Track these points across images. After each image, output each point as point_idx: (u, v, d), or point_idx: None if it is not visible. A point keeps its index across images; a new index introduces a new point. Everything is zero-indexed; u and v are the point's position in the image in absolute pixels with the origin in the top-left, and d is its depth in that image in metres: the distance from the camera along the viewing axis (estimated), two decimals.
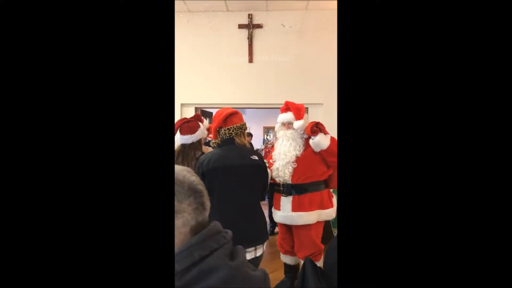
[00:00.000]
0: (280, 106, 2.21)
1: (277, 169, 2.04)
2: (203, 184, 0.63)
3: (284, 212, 2.04)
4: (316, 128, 1.98)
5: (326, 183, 2.12)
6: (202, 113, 3.98)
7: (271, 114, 7.34)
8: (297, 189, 2.01)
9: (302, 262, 2.03)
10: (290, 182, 2.02)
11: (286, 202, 2.04)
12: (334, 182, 2.12)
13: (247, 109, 7.26)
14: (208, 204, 0.61)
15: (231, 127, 1.61)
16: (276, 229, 3.26)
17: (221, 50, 3.66)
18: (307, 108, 3.74)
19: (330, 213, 2.12)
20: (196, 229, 0.56)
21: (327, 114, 3.58)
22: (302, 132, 2.04)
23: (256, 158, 1.60)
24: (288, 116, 2.07)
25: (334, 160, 1.98)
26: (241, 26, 3.63)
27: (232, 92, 3.69)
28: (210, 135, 1.88)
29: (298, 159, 2.01)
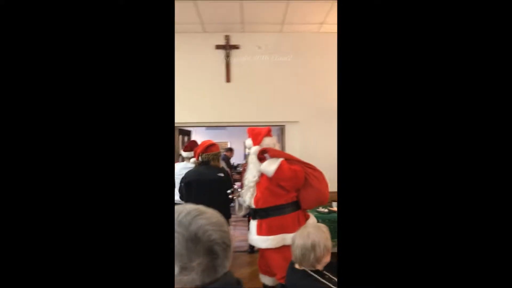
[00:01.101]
0: (258, 124, 2.31)
1: (244, 193, 2.16)
2: (228, 242, 0.56)
3: (252, 235, 2.15)
4: (262, 155, 2.06)
5: (294, 206, 2.08)
6: (181, 131, 3.99)
7: None
8: (260, 213, 2.08)
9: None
10: (253, 206, 2.10)
11: (253, 225, 2.14)
12: (307, 202, 2.10)
13: (228, 127, 7.31)
14: (222, 267, 0.54)
15: (209, 154, 2.43)
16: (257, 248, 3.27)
17: (199, 70, 3.71)
18: (283, 126, 3.83)
19: None
20: None
21: (303, 131, 3.68)
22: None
23: (222, 175, 2.33)
24: (248, 142, 2.20)
25: (285, 184, 2.01)
26: (218, 47, 3.71)
27: (210, 111, 3.73)
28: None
29: (257, 184, 2.08)
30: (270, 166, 1.99)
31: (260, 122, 3.77)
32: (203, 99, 3.72)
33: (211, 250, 0.52)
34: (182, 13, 3.25)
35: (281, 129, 3.93)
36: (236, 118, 3.75)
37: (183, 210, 0.56)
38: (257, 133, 2.20)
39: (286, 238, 2.00)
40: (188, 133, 4.26)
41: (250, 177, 2.09)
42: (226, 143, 7.65)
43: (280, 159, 2.03)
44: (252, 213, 2.13)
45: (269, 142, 2.20)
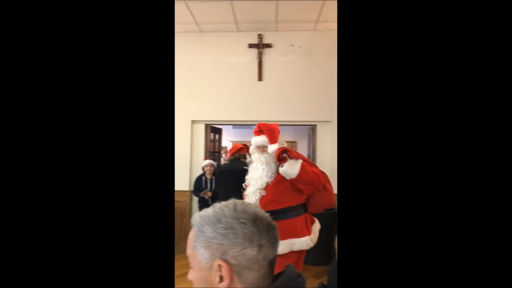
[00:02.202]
0: (287, 122, 2.22)
1: (247, 195, 1.93)
2: None
3: None
4: (284, 155, 1.84)
5: (302, 208, 1.93)
6: (212, 129, 4.05)
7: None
8: None
9: None
10: None
11: None
12: (317, 206, 1.96)
13: (254, 126, 7.33)
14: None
15: (240, 154, 3.21)
16: None
17: (231, 69, 3.76)
18: (315, 125, 3.79)
19: (306, 242, 1.85)
20: (272, 263, 0.59)
21: (335, 131, 3.62)
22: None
23: (246, 168, 2.32)
24: (262, 139, 1.96)
25: (306, 187, 1.84)
26: (251, 46, 3.74)
27: (241, 109, 3.76)
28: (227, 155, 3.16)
29: (268, 187, 1.88)
30: (293, 168, 1.79)
31: (291, 121, 3.76)
32: (234, 97, 3.76)
33: (270, 224, 0.61)
34: (217, 13, 3.30)
35: (312, 129, 3.89)
36: (266, 116, 3.75)
37: (227, 204, 0.61)
38: (272, 129, 1.98)
39: (295, 243, 1.84)
40: (219, 131, 4.31)
41: (265, 177, 1.88)
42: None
43: (300, 161, 1.84)
44: None
45: (282, 140, 2.01)
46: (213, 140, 4.15)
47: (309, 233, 1.89)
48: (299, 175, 1.78)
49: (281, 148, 1.85)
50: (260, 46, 3.72)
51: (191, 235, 0.59)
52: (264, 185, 1.87)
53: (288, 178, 1.82)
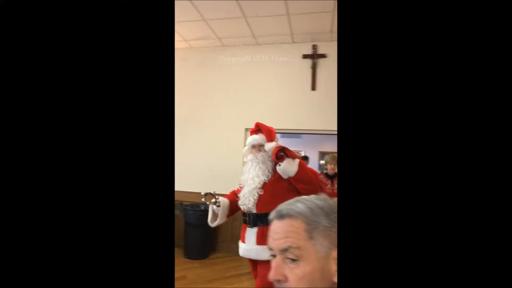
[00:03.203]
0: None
1: (243, 196, 1.85)
2: None
3: (249, 245, 1.82)
4: (282, 153, 1.78)
5: None
6: None
7: (327, 139, 7.30)
8: (262, 219, 1.77)
9: None
10: (255, 211, 1.81)
11: (251, 233, 1.83)
12: None
13: (303, 134, 7.34)
14: None
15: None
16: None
17: (286, 79, 3.86)
18: None
19: None
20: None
21: None
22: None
23: None
24: (259, 138, 1.92)
25: (304, 187, 1.75)
26: (305, 56, 3.81)
27: (293, 118, 3.83)
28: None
29: (265, 185, 1.80)
30: (292, 166, 1.74)
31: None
32: (288, 106, 3.84)
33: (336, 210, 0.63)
34: (274, 26, 3.44)
35: None
36: (319, 126, 3.77)
37: (320, 197, 0.64)
38: (270, 129, 1.96)
39: None
40: None
41: (262, 176, 1.81)
42: (300, 151, 7.67)
43: (298, 160, 1.79)
44: (252, 219, 1.83)
45: (277, 140, 1.99)
46: None
47: None
48: (297, 173, 1.73)
49: (279, 146, 1.81)
50: (315, 56, 3.77)
51: (299, 227, 0.58)
52: (262, 183, 1.81)
53: (286, 176, 1.76)
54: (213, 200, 1.96)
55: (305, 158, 6.02)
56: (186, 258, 3.64)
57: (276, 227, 0.62)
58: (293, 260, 0.58)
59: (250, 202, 1.80)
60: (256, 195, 1.80)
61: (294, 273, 0.56)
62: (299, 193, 1.76)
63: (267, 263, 1.65)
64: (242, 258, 3.65)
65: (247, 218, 1.85)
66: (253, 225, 1.82)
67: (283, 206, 0.63)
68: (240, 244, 1.91)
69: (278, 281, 0.58)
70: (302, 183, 1.75)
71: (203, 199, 1.98)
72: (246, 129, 3.97)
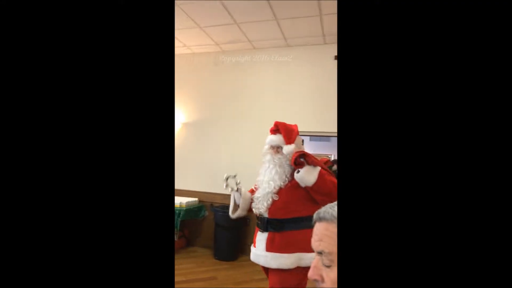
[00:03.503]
0: None
1: (257, 198, 1.75)
2: None
3: (258, 250, 1.73)
4: (302, 160, 1.63)
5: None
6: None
7: None
8: (274, 224, 1.68)
9: None
10: (266, 215, 1.71)
11: (261, 238, 1.73)
12: None
13: (332, 137, 7.21)
14: None
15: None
16: None
17: (318, 80, 3.81)
18: None
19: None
20: None
21: None
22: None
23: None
24: (277, 138, 1.77)
25: (322, 198, 1.60)
26: (337, 57, 3.74)
27: (323, 120, 3.76)
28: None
29: (280, 191, 1.69)
30: (311, 175, 1.59)
31: None
32: (319, 108, 3.78)
33: None
34: (305, 27, 3.41)
35: None
36: None
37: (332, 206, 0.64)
38: (290, 129, 1.79)
39: (304, 259, 1.62)
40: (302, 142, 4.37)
41: (278, 181, 1.69)
42: (330, 155, 7.53)
43: (319, 168, 1.63)
44: (263, 224, 1.73)
45: (299, 142, 1.81)
46: None
47: None
48: (316, 183, 1.59)
49: (299, 151, 1.65)
50: None
51: (334, 231, 0.57)
52: (277, 188, 1.69)
53: (303, 185, 1.63)
54: (235, 183, 1.92)
55: (335, 162, 5.89)
56: (216, 259, 3.67)
57: (316, 229, 0.62)
58: (326, 265, 0.58)
59: (263, 206, 1.71)
60: (270, 200, 1.70)
61: (329, 276, 0.57)
62: (316, 203, 1.65)
63: (277, 271, 1.65)
64: None
65: (259, 222, 1.78)
66: (264, 229, 1.73)
67: (324, 209, 0.63)
68: (252, 248, 1.83)
69: (316, 280, 0.59)
70: (320, 194, 1.62)
71: (225, 185, 1.92)
72: None
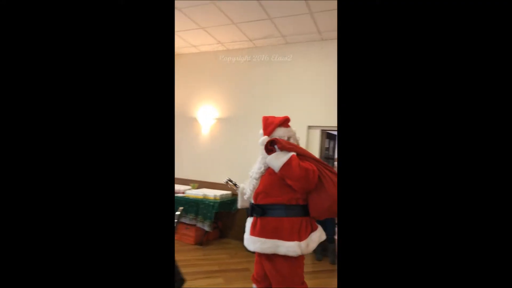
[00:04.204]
0: None
1: (245, 185, 1.93)
2: None
3: (246, 234, 1.86)
4: (271, 146, 1.78)
5: (299, 210, 1.75)
6: (328, 135, 4.07)
7: None
8: (256, 210, 1.79)
9: None
10: (252, 201, 1.85)
11: (248, 224, 1.87)
12: (317, 210, 1.73)
13: None
14: None
15: None
16: None
17: None
18: None
19: (292, 248, 1.65)
20: None
21: None
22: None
23: None
24: (260, 131, 1.99)
25: (293, 183, 1.69)
26: None
27: None
28: None
29: (262, 177, 1.83)
30: (278, 159, 1.71)
31: None
32: None
33: None
34: (324, 22, 3.33)
35: None
36: None
37: None
38: (270, 122, 1.94)
39: (280, 246, 1.67)
40: (334, 138, 4.30)
41: (256, 168, 1.87)
42: None
43: (291, 153, 1.72)
44: (249, 209, 1.87)
45: (283, 133, 1.90)
46: (328, 148, 4.16)
47: (299, 239, 1.68)
48: (281, 168, 1.68)
49: (271, 138, 1.79)
50: None
51: None
52: (256, 175, 1.84)
53: (275, 170, 1.74)
54: (233, 184, 2.18)
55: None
56: (248, 251, 3.75)
57: None
58: None
59: (248, 192, 1.87)
60: (252, 186, 1.85)
61: None
62: (292, 188, 1.73)
63: (260, 256, 1.80)
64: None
65: (248, 208, 1.91)
66: (249, 215, 1.87)
67: None
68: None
69: None
70: (289, 179, 1.70)
71: (229, 186, 2.21)
72: (309, 127, 3.94)
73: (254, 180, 1.85)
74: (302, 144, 3.89)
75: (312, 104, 3.88)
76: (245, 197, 1.93)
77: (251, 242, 1.77)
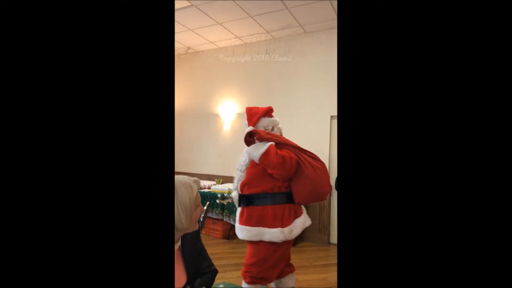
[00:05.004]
0: None
1: (235, 177, 1.98)
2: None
3: (236, 223, 1.92)
4: (250, 138, 1.83)
5: (282, 197, 1.79)
6: None
7: None
8: (244, 200, 1.86)
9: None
10: (239, 192, 1.91)
11: (237, 213, 1.94)
12: (300, 195, 1.78)
13: None
14: None
15: None
16: None
17: None
18: None
19: (275, 234, 1.72)
20: None
21: None
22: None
23: None
24: (245, 121, 2.02)
25: (273, 172, 1.75)
26: None
27: None
28: None
29: (248, 169, 1.87)
30: (256, 150, 1.76)
31: None
32: None
33: None
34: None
35: None
36: None
37: None
38: (254, 112, 1.96)
39: (265, 233, 1.75)
40: None
41: (241, 161, 1.90)
42: None
43: (269, 143, 1.76)
44: (238, 200, 1.94)
45: (268, 123, 1.94)
46: None
47: (282, 225, 1.74)
48: (260, 158, 1.74)
49: (250, 130, 1.84)
50: None
51: None
52: (242, 168, 1.89)
53: (255, 161, 1.79)
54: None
55: None
56: None
57: None
58: None
59: (235, 183, 1.94)
60: (238, 177, 1.91)
61: None
62: (273, 177, 1.79)
63: (248, 244, 1.86)
64: (330, 248, 3.61)
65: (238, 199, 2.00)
66: (238, 204, 1.93)
67: None
68: None
69: None
70: (269, 167, 1.76)
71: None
72: (332, 117, 3.86)
73: (240, 173, 1.91)
74: (325, 135, 3.83)
75: (335, 94, 3.79)
76: (234, 192, 2.00)
77: (239, 230, 1.84)
